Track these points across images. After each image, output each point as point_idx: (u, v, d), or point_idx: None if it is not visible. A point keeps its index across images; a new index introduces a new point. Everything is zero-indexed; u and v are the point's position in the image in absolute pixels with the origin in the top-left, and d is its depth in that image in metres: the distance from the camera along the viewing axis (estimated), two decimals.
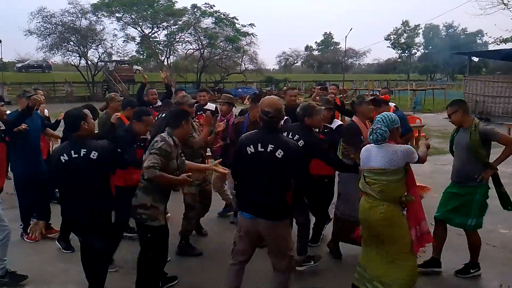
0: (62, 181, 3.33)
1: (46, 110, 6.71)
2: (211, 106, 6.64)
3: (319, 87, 7.95)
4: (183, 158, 3.78)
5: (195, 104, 5.21)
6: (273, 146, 3.12)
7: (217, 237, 5.20)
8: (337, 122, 4.96)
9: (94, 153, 3.25)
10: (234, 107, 5.65)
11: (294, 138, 3.80)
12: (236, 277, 3.41)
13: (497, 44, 21.38)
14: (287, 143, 3.21)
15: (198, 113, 6.05)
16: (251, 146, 3.19)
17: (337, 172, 4.65)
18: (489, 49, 32.37)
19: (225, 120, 5.38)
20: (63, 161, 3.24)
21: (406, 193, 3.39)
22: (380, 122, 3.39)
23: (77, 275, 3.95)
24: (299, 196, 3.77)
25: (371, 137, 3.40)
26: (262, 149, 3.15)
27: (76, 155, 3.24)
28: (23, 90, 5.14)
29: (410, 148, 3.39)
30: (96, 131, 4.16)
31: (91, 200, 3.28)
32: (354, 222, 3.96)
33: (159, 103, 6.80)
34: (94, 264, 3.48)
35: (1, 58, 38.79)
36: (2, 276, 3.95)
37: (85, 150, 3.26)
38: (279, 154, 3.11)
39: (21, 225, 5.15)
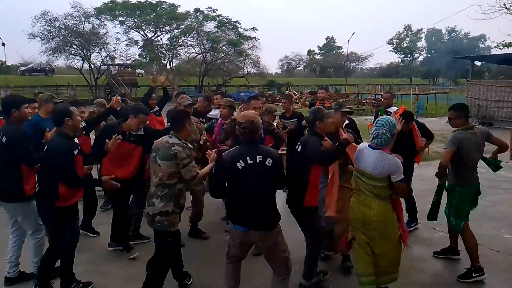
0: None
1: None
2: (214, 113, 6.54)
3: (308, 91, 8.01)
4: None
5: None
6: (261, 156, 3.23)
7: (218, 238, 5.18)
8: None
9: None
10: (234, 111, 5.63)
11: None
12: (234, 273, 3.48)
13: (500, 48, 21.40)
14: (270, 151, 3.36)
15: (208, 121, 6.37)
16: (240, 161, 3.21)
17: None
18: (491, 54, 32.36)
19: (224, 125, 5.40)
20: None
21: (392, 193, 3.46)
22: (386, 126, 3.36)
23: (78, 275, 3.98)
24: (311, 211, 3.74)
25: (374, 141, 3.37)
26: (252, 161, 3.21)
27: None
28: (50, 95, 5.23)
29: (398, 165, 3.33)
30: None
31: None
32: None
33: (157, 107, 6.78)
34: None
35: (5, 62, 39.19)
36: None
37: None
38: (268, 163, 3.23)
39: None
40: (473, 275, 4.13)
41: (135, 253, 4.61)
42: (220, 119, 5.54)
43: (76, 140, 3.84)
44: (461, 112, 4.24)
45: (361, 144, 3.67)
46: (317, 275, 4.00)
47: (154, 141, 3.71)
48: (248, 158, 3.21)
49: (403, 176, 3.35)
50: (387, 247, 3.45)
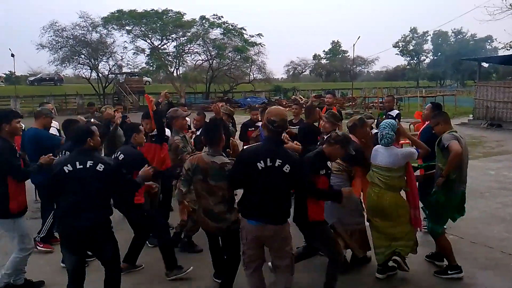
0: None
1: (56, 123, 6.80)
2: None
3: (314, 95, 8.01)
4: None
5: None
6: (280, 161, 3.22)
7: None
8: None
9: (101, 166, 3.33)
10: (233, 119, 5.84)
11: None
12: (259, 281, 3.48)
13: (507, 49, 21.27)
14: (291, 157, 3.31)
15: (250, 129, 6.81)
16: (261, 161, 3.21)
17: None
18: (499, 55, 32.12)
19: None
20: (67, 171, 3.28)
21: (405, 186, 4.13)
22: (387, 128, 4.05)
23: (88, 284, 3.99)
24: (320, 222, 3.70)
25: (382, 141, 4.04)
26: (271, 164, 3.21)
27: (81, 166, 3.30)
28: (48, 109, 5.53)
29: (408, 151, 4.12)
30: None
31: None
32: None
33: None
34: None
35: (14, 72, 39.61)
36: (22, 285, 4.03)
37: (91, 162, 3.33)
38: (286, 169, 3.21)
39: (37, 233, 5.20)
40: (449, 272, 4.22)
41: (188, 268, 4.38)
42: None
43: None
44: (439, 117, 4.36)
45: (374, 147, 4.18)
46: None
47: (188, 159, 3.71)
48: (268, 160, 3.21)
49: (416, 152, 4.11)
50: (401, 228, 4.07)
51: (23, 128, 7.78)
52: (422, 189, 4.42)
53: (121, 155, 4.37)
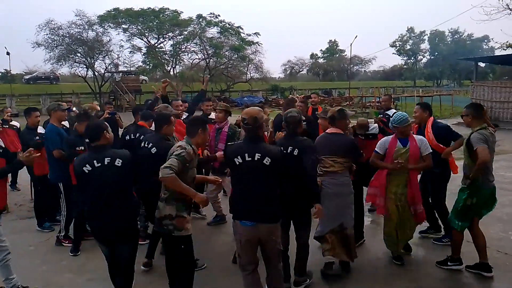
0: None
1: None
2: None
3: (303, 95, 8.02)
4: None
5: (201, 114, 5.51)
6: (259, 154, 3.24)
7: (223, 242, 5.18)
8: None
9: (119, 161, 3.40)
10: (230, 115, 5.71)
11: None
12: (254, 282, 3.46)
13: (504, 49, 21.23)
14: (271, 150, 3.31)
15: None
16: (238, 157, 3.27)
17: None
18: (495, 54, 32.24)
19: (218, 129, 5.49)
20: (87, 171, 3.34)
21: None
22: (391, 121, 4.45)
23: (84, 284, 3.96)
24: (306, 204, 3.76)
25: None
26: (250, 158, 3.24)
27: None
28: (57, 103, 5.60)
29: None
30: None
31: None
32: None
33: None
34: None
35: (10, 71, 39.39)
36: None
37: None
38: (266, 162, 3.23)
39: (59, 232, 5.33)
40: (449, 263, 4.41)
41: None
42: (216, 123, 5.61)
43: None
44: (469, 109, 4.30)
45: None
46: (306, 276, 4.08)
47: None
48: (246, 154, 3.26)
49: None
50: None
51: (19, 126, 7.84)
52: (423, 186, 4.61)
53: (153, 148, 4.21)
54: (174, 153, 3.37)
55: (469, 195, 4.16)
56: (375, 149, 4.53)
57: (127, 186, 3.49)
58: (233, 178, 3.46)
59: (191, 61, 39.94)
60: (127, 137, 5.20)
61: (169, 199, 3.47)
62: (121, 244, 3.49)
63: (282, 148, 3.53)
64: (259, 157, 3.23)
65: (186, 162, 3.37)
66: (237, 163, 3.27)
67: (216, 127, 5.56)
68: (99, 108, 6.96)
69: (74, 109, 7.73)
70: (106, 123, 3.70)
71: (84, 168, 3.34)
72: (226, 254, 4.79)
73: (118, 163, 3.37)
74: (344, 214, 4.15)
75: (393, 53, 71.43)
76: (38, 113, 6.07)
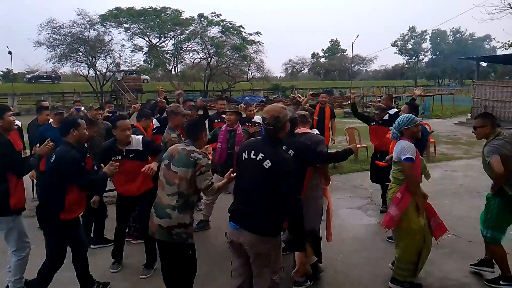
0: None
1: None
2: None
3: (311, 93, 8.07)
4: None
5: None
6: (263, 155, 2.94)
7: (224, 244, 5.18)
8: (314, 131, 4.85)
9: None
10: (241, 117, 5.62)
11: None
12: None
13: (505, 48, 21.21)
14: (278, 155, 2.95)
15: (215, 121, 6.62)
16: (246, 152, 3.06)
17: None
18: (497, 54, 32.15)
19: (232, 130, 5.39)
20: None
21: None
22: (395, 124, 4.01)
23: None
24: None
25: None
26: (254, 157, 2.99)
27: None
28: (53, 106, 5.85)
29: (404, 147, 3.87)
30: None
31: None
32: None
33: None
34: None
35: (11, 70, 39.57)
36: None
37: None
38: (266, 165, 2.89)
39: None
40: (501, 282, 4.05)
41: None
42: (226, 125, 5.48)
43: None
44: (492, 119, 4.08)
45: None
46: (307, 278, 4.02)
47: (169, 149, 3.57)
48: (253, 151, 3.00)
49: (408, 156, 3.79)
50: (406, 238, 3.87)
51: (20, 125, 7.87)
52: None
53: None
54: (204, 162, 3.33)
55: (496, 202, 4.01)
56: (412, 157, 3.82)
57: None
58: (236, 174, 3.22)
59: (192, 60, 40.05)
60: None
61: (184, 206, 3.35)
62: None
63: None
64: (261, 157, 2.93)
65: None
66: (243, 158, 3.06)
67: (228, 129, 5.41)
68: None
69: (82, 108, 7.84)
70: (81, 120, 3.84)
71: None
72: (226, 254, 4.78)
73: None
74: (314, 218, 4.02)
75: (395, 53, 71.44)
76: (48, 112, 6.27)
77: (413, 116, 4.03)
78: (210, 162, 3.44)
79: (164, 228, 3.33)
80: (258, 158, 2.95)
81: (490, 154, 3.85)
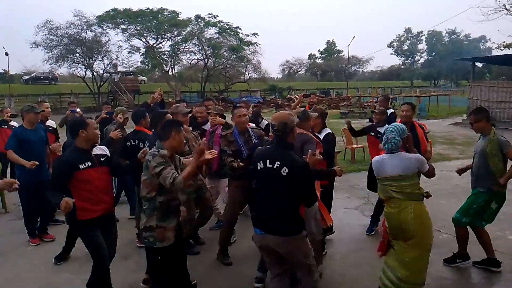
0: None
1: (53, 122, 6.83)
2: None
3: (302, 94, 8.10)
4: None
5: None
6: (279, 163, 3.09)
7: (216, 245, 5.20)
8: (327, 130, 4.86)
9: None
10: (225, 118, 5.30)
11: None
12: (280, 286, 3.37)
13: (501, 49, 21.39)
14: (293, 161, 3.09)
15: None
16: (261, 162, 3.19)
17: None
18: (492, 55, 32.32)
19: (211, 132, 5.25)
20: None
21: (425, 191, 3.59)
22: (394, 132, 3.56)
23: (82, 284, 3.98)
24: None
25: (386, 146, 3.56)
26: (270, 166, 3.13)
27: None
28: (30, 105, 5.49)
29: (421, 157, 3.60)
30: None
31: None
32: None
33: None
34: None
35: (8, 71, 39.34)
36: None
37: None
38: (284, 172, 3.06)
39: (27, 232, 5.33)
40: (457, 260, 4.47)
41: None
42: (209, 127, 5.38)
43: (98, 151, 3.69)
44: (486, 114, 4.25)
45: (374, 158, 3.76)
46: None
47: None
48: (268, 161, 3.14)
49: (427, 166, 3.56)
50: (413, 252, 3.50)
51: (16, 126, 7.86)
52: None
53: None
54: (154, 163, 3.22)
55: (490, 200, 4.27)
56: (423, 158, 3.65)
57: None
58: (256, 183, 3.34)
59: (189, 61, 39.96)
60: (128, 143, 4.99)
61: (149, 209, 3.39)
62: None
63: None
64: (278, 165, 3.07)
65: (166, 161, 3.26)
66: (259, 168, 3.19)
67: (209, 130, 5.33)
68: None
69: (78, 110, 7.85)
70: (90, 119, 3.74)
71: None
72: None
73: None
74: (308, 220, 3.95)
75: (391, 54, 71.92)
76: (47, 104, 6.44)
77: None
78: (165, 157, 3.28)
79: (139, 230, 3.49)
80: (275, 167, 3.10)
81: (508, 146, 4.06)
